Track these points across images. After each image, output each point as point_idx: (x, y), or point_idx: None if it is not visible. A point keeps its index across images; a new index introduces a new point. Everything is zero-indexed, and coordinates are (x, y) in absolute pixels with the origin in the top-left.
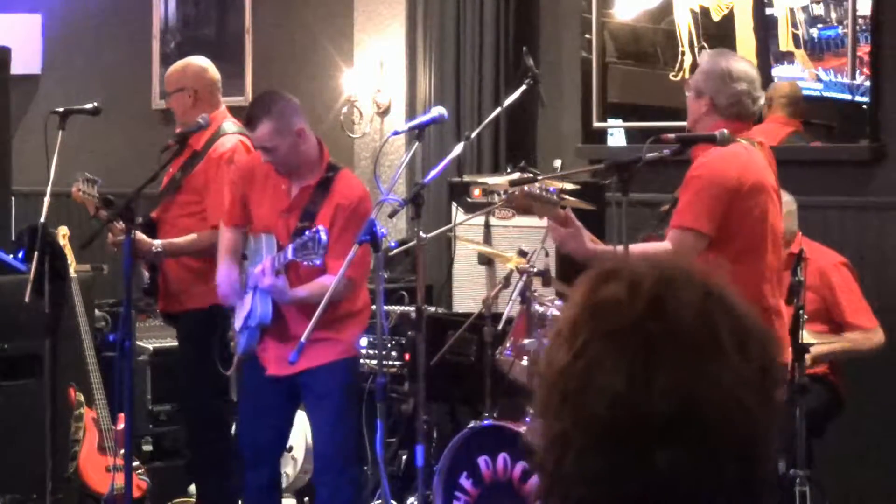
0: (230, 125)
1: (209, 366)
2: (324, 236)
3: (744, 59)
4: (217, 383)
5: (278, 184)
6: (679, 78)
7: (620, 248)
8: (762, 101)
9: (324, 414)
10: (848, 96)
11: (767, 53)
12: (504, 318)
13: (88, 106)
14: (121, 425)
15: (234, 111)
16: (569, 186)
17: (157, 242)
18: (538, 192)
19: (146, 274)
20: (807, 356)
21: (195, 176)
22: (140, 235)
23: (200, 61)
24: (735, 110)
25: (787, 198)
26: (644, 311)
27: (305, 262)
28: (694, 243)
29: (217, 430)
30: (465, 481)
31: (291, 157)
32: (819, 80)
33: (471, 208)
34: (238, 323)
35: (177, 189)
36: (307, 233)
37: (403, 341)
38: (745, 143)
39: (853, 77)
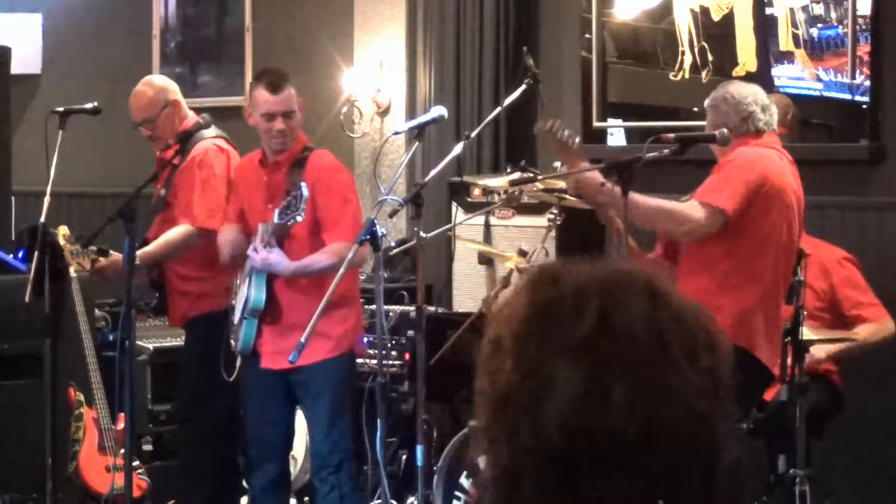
0: (207, 130)
1: (217, 369)
2: (305, 192)
3: (740, 81)
4: (225, 386)
5: (259, 179)
6: (679, 78)
7: (641, 198)
8: (773, 109)
9: (318, 412)
10: (848, 96)
11: (767, 53)
12: None
13: (88, 106)
14: (121, 425)
15: (235, 111)
16: None
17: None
18: (570, 141)
19: (156, 294)
20: (820, 353)
21: (176, 188)
22: (114, 254)
23: (155, 77)
24: (751, 125)
25: None
26: (592, 327)
27: (290, 222)
28: (713, 217)
29: (226, 434)
30: (465, 481)
31: (296, 128)
32: (819, 80)
33: (471, 208)
34: (237, 315)
35: (164, 206)
36: (292, 192)
37: (403, 341)
38: (776, 154)
39: (853, 77)
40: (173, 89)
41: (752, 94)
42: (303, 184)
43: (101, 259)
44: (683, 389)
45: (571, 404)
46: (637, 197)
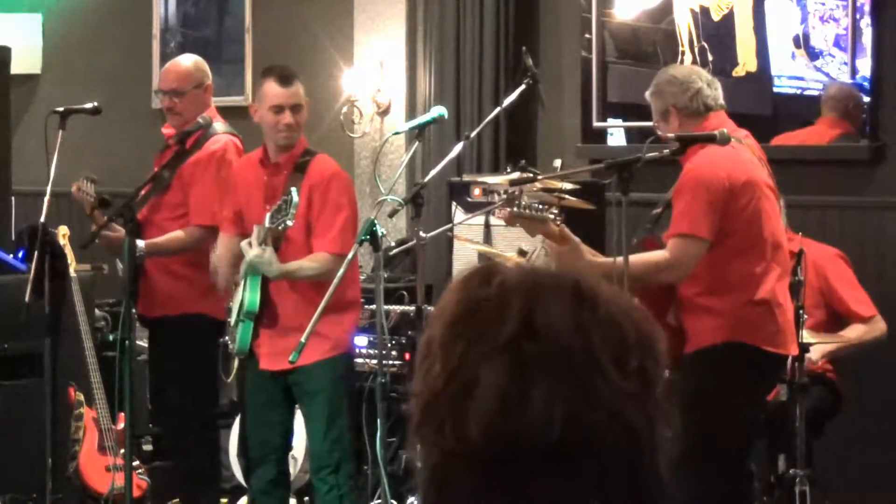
0: (220, 125)
1: (183, 373)
2: (295, 197)
3: (678, 65)
4: (193, 389)
5: (259, 178)
6: None
7: (620, 259)
8: (717, 84)
9: (316, 412)
10: None
11: (767, 53)
12: None
13: (88, 106)
14: (121, 425)
15: (235, 111)
16: (568, 186)
17: (140, 244)
18: (527, 212)
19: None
20: (814, 355)
21: (184, 174)
22: (122, 237)
23: (197, 57)
24: (700, 103)
25: None
26: (515, 329)
27: (280, 227)
28: (695, 249)
29: (190, 437)
30: None
31: (302, 124)
32: (819, 79)
33: (471, 208)
34: (233, 318)
35: (165, 189)
36: (283, 198)
37: (403, 341)
38: (733, 140)
39: (853, 77)
40: (210, 75)
41: (696, 71)
42: (293, 190)
43: (98, 212)
44: (608, 393)
45: (492, 407)
46: (622, 262)
